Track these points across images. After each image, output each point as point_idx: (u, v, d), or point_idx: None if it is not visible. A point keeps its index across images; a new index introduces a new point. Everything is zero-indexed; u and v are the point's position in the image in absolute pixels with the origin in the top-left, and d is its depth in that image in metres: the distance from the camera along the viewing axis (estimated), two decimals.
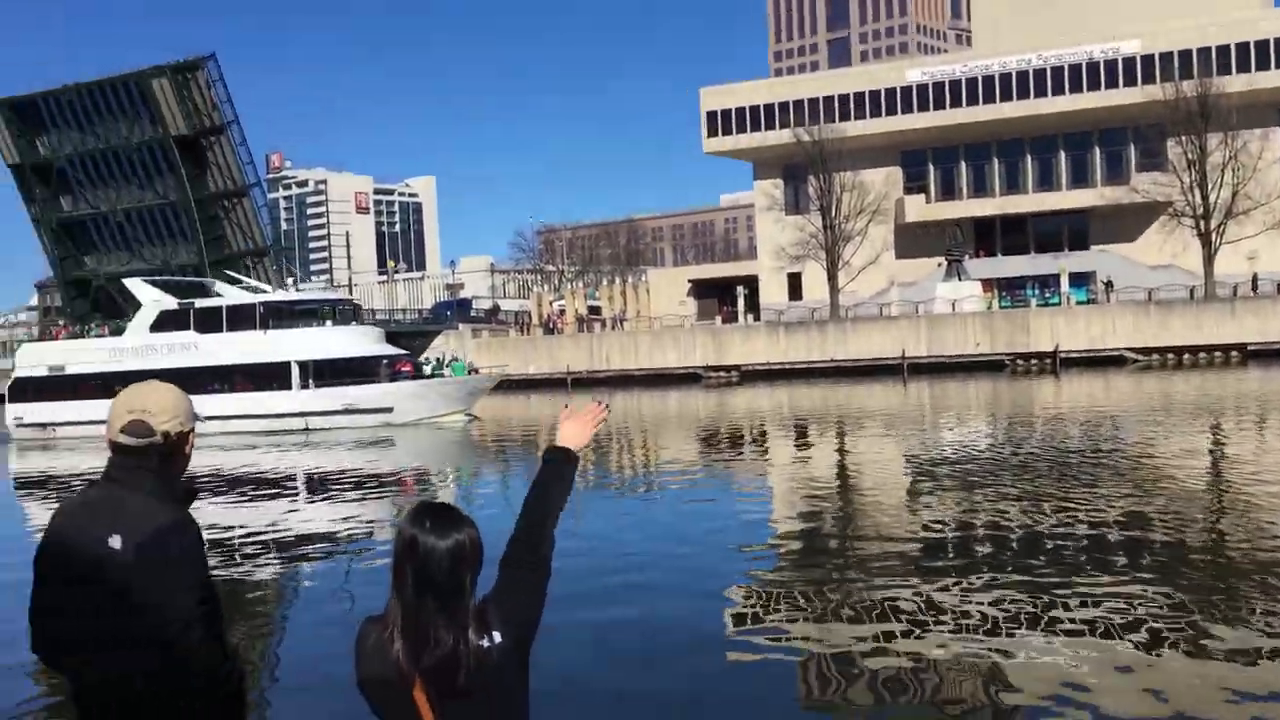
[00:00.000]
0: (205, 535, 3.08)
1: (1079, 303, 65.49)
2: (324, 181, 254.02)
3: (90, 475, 27.95)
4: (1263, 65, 67.03)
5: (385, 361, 44.54)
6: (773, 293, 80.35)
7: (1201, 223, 61.70)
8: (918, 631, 9.21)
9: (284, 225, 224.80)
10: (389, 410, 41.83)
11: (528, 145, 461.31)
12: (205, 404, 42.22)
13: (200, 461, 29.15)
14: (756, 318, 75.48)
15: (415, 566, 2.51)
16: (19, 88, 69.48)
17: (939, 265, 72.64)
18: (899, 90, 76.44)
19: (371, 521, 17.43)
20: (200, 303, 46.87)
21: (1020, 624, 9.29)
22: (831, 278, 70.26)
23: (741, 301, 75.63)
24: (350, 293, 77.84)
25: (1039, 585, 10.55)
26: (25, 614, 3.01)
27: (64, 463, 33.90)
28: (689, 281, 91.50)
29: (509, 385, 56.11)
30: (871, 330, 64.88)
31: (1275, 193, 61.46)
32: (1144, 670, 8.01)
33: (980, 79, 74.20)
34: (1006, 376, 55.06)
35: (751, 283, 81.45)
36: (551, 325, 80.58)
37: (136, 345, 46.23)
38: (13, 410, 48.94)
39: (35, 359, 50.61)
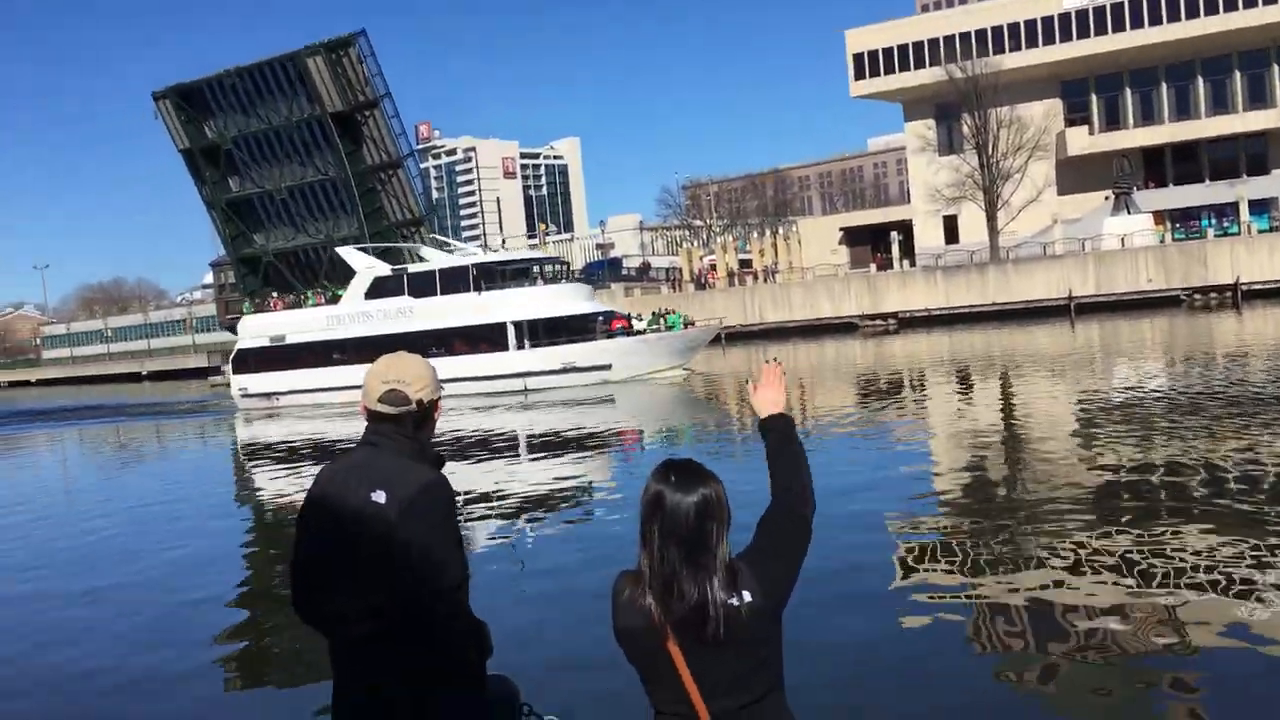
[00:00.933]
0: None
1: (1260, 231, 61.57)
2: (472, 149, 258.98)
3: (310, 442, 29.31)
4: None
5: (601, 318, 44.03)
6: (928, 237, 78.18)
7: None
8: (1090, 582, 8.79)
9: (435, 194, 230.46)
10: (607, 367, 41.43)
11: (671, 101, 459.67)
12: None
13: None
14: (912, 263, 73.64)
15: (661, 521, 2.56)
16: (183, 76, 72.78)
17: (1105, 199, 69.35)
18: (1057, 18, 72.86)
19: (594, 480, 17.26)
20: (413, 268, 46.88)
21: (1199, 574, 8.76)
22: (990, 218, 67.91)
23: (896, 247, 73.87)
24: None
25: (1219, 533, 9.94)
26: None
27: (286, 430, 34.75)
28: (840, 230, 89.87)
29: None
30: (1035, 270, 62.47)
31: None
32: None
33: (1145, 0, 70.03)
34: (1183, 313, 52.32)
35: (905, 228, 79.45)
36: (703, 280, 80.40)
37: (353, 313, 46.64)
38: (237, 381, 50.17)
39: (256, 330, 51.48)
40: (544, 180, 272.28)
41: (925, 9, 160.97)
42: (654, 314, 47.43)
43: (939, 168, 72.29)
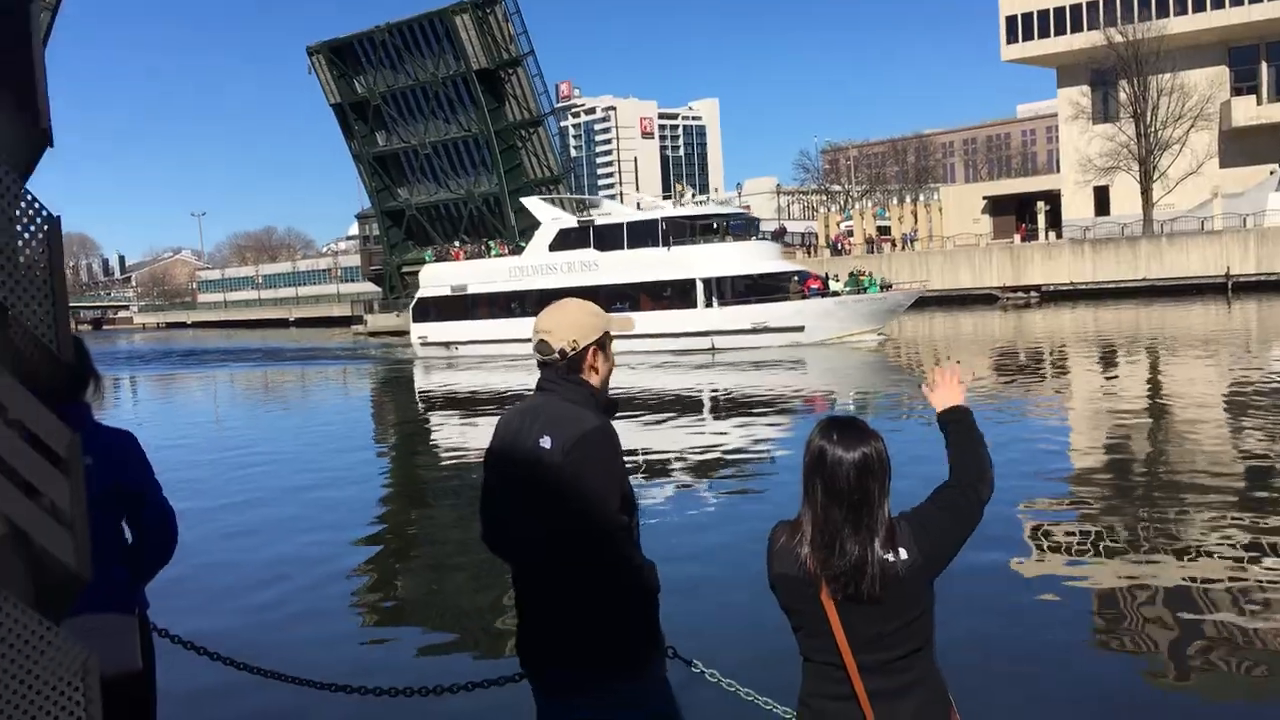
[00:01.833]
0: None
1: None
2: (611, 108, 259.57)
3: (484, 392, 29.94)
4: None
5: (796, 277, 42.44)
6: (1077, 208, 75.33)
7: None
8: (1233, 572, 8.47)
9: (573, 152, 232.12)
10: (800, 329, 39.84)
11: (812, 64, 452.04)
12: None
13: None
14: (1059, 235, 71.17)
15: (823, 477, 2.62)
16: (337, 30, 74.59)
17: (1271, 174, 65.63)
18: None
19: (777, 441, 17.13)
20: (599, 220, 46.02)
21: None
22: (1145, 190, 65.13)
23: (1042, 218, 71.47)
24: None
25: None
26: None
27: (464, 380, 34.84)
28: (984, 198, 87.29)
29: None
30: (1190, 246, 59.70)
31: None
32: None
33: None
34: None
35: (1053, 198, 76.70)
36: (839, 246, 79.29)
37: (536, 264, 46.07)
38: (417, 330, 50.32)
39: (437, 279, 51.22)
40: (681, 141, 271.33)
41: None
42: (851, 275, 45.13)
43: (1092, 136, 69.44)
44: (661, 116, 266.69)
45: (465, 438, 20.40)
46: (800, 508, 2.69)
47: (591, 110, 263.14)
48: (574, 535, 3.07)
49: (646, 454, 16.09)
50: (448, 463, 17.33)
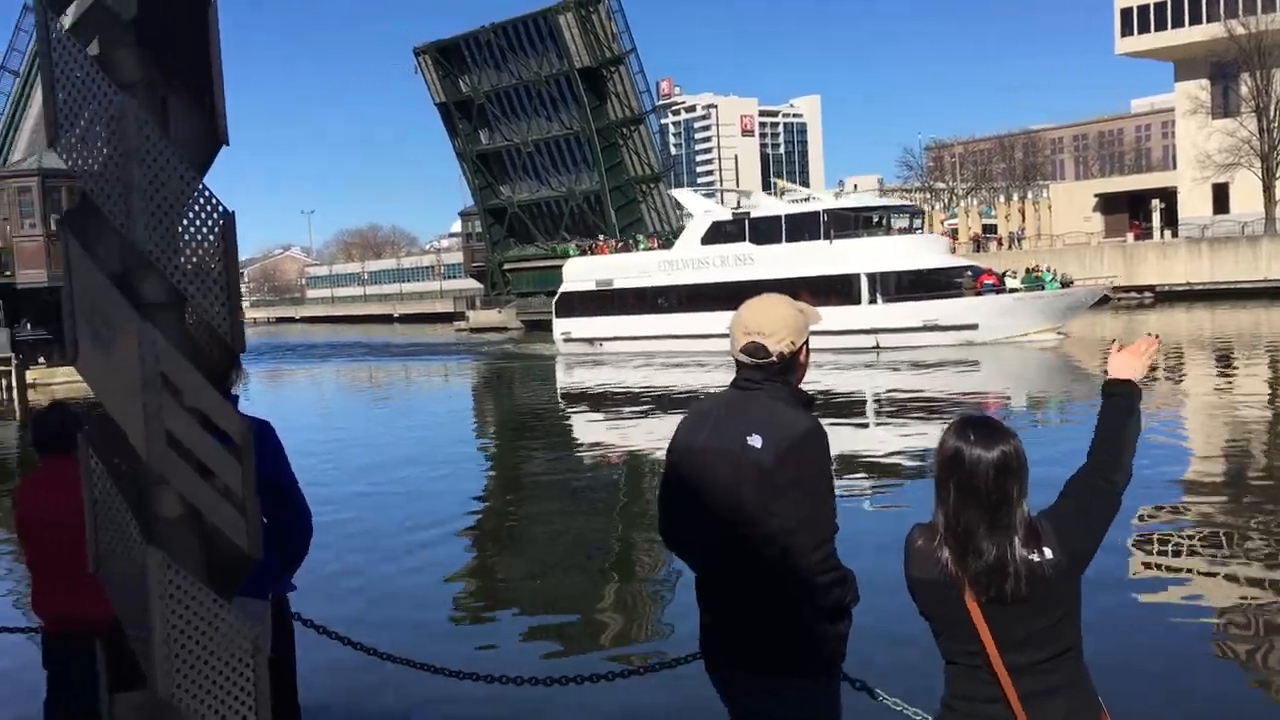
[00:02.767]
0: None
1: None
2: (712, 106, 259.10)
3: (625, 391, 29.30)
4: None
5: (969, 272, 40.31)
6: (1194, 205, 72.74)
7: None
8: None
9: (673, 150, 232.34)
10: (973, 327, 37.65)
11: (916, 60, 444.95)
12: None
13: None
14: (1174, 233, 68.86)
15: (959, 477, 2.57)
16: (440, 33, 75.92)
17: None
18: None
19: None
20: (756, 212, 44.11)
21: None
22: (1267, 188, 62.63)
23: (1157, 216, 69.27)
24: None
25: None
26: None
27: (606, 377, 34.00)
28: (1095, 195, 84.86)
29: None
30: None
31: None
32: None
33: None
34: None
35: (1168, 195, 74.22)
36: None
37: (687, 258, 44.35)
38: (560, 325, 48.75)
39: (582, 273, 49.58)
40: (781, 139, 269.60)
41: None
42: (1027, 270, 42.80)
43: (1211, 132, 67.00)
44: (762, 114, 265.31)
45: (610, 436, 20.30)
46: (934, 509, 2.65)
47: (692, 108, 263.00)
48: (780, 538, 2.97)
49: None
50: (590, 461, 17.44)
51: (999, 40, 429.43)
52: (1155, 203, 70.94)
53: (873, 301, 39.29)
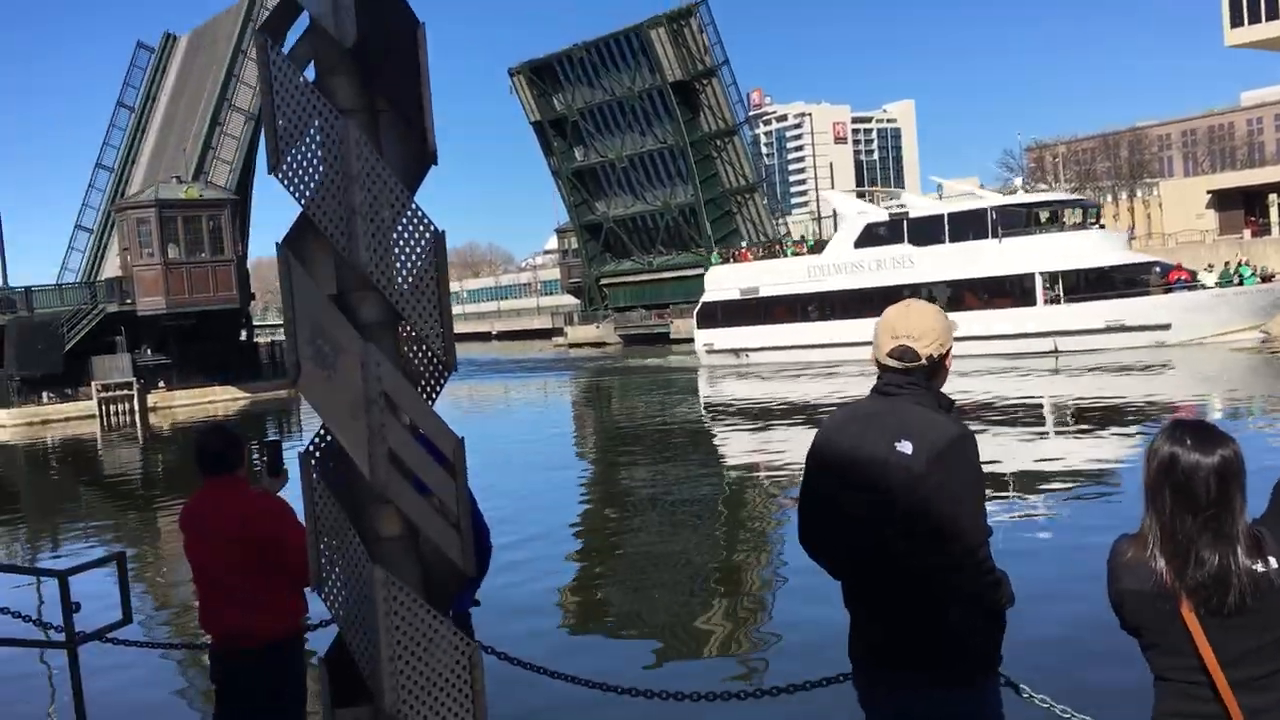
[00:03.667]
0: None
1: None
2: (804, 114, 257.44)
3: (770, 404, 28.28)
4: None
5: (1157, 269, 37.89)
6: None
7: None
8: None
9: (766, 160, 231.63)
10: (1165, 327, 35.35)
11: (1013, 58, 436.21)
12: None
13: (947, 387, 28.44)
14: None
15: (1175, 484, 2.48)
16: (534, 52, 76.84)
17: None
18: None
19: (1126, 459, 15.35)
20: (915, 211, 41.84)
21: None
22: None
23: (1274, 211, 66.69)
24: (835, 223, 78.53)
25: None
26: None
27: (753, 390, 32.89)
28: (1208, 192, 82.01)
29: None
30: None
31: None
32: None
33: None
34: None
35: None
36: None
37: (839, 262, 42.27)
38: (702, 336, 46.88)
39: (725, 282, 47.46)
40: (875, 144, 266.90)
41: None
42: (1226, 264, 39.68)
43: None
44: (855, 120, 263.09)
45: (762, 451, 19.71)
46: (1144, 519, 2.56)
47: (783, 117, 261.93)
48: (933, 541, 2.95)
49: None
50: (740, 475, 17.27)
51: (1100, 36, 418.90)
52: (1272, 198, 68.32)
53: (1050, 301, 37.05)
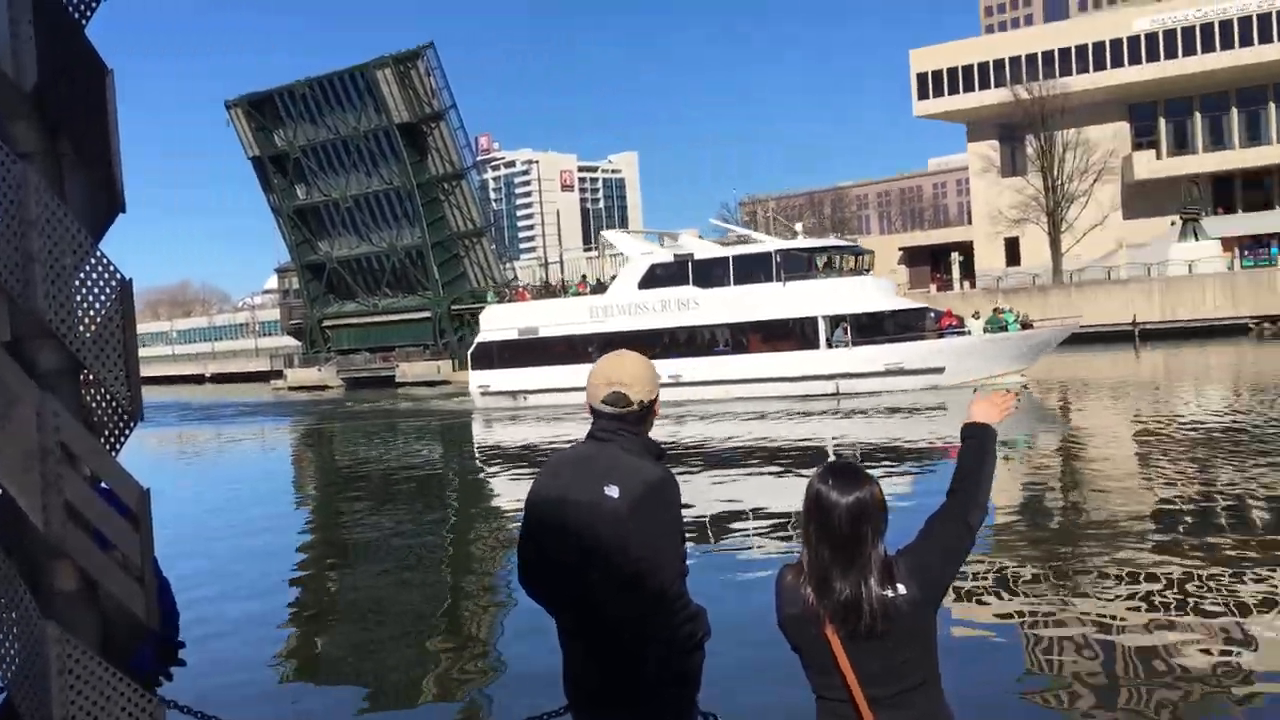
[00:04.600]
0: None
1: None
2: (532, 161, 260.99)
3: (548, 449, 26.43)
4: None
5: (932, 315, 39.03)
6: (989, 258, 77.48)
7: None
8: (1142, 610, 8.80)
9: (494, 205, 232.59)
10: (939, 370, 36.28)
11: (728, 119, 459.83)
12: (710, 367, 38.16)
13: (712, 431, 27.29)
14: (972, 284, 73.06)
15: (818, 519, 2.73)
16: (254, 86, 74.02)
17: (1172, 224, 68.27)
18: (1125, 40, 71.98)
19: (901, 495, 15.24)
20: (700, 254, 41.55)
21: (1259, 605, 8.72)
22: (1054, 241, 67.26)
23: (956, 268, 73.37)
24: (561, 268, 79.74)
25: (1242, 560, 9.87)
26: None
27: (527, 434, 31.90)
28: (899, 249, 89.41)
29: None
30: (1098, 294, 61.61)
31: None
32: None
33: (1217, 24, 69.01)
34: (1251, 341, 51.38)
35: (965, 249, 78.84)
36: None
37: (623, 303, 41.69)
38: (477, 378, 45.30)
39: (502, 322, 46.11)
40: (601, 194, 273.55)
41: (990, 30, 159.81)
42: (994, 310, 40.85)
43: (1002, 189, 71.68)
44: (581, 169, 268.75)
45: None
46: (801, 550, 2.81)
47: (511, 163, 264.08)
48: (635, 581, 3.09)
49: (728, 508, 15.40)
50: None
51: (807, 104, 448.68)
52: (954, 255, 75.13)
53: (832, 345, 37.74)
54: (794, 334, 37.92)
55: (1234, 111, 72.71)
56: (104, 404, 1.88)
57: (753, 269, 39.07)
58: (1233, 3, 68.53)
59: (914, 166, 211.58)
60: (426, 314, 67.79)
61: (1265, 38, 67.45)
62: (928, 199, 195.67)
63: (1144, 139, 74.86)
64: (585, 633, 3.23)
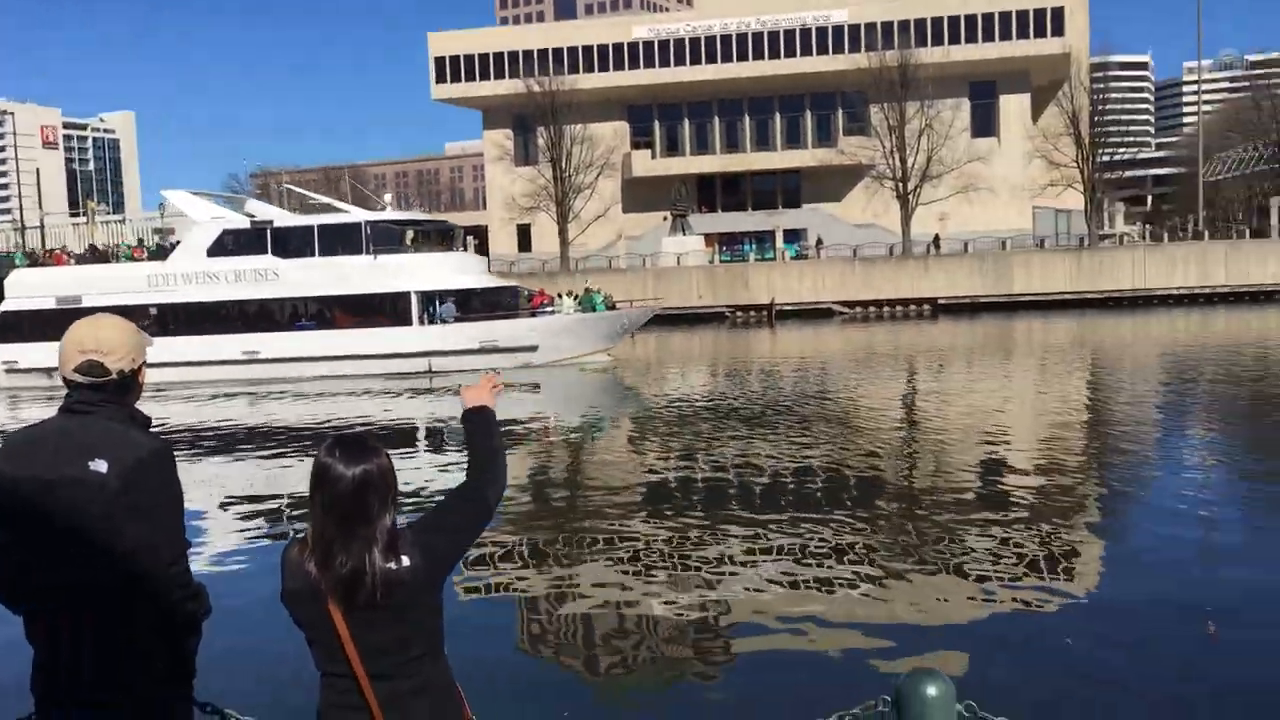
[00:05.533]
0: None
1: (792, 258, 69.26)
2: (5, 113, 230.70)
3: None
4: (954, 39, 72.79)
5: (526, 294, 38.80)
6: (502, 243, 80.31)
7: (900, 185, 66.49)
8: (637, 580, 9.82)
9: None
10: (533, 349, 36.15)
11: (245, 88, 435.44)
12: (291, 343, 35.68)
13: (288, 412, 25.91)
14: (488, 269, 75.23)
15: (323, 492, 2.69)
16: None
17: (664, 219, 74.79)
18: (626, 46, 77.68)
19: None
20: (280, 221, 38.66)
21: (743, 568, 10.08)
22: (562, 230, 70.94)
23: (471, 251, 75.01)
24: (42, 235, 71.39)
25: (754, 522, 11.44)
26: None
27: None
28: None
29: None
30: (600, 281, 65.84)
31: (964, 159, 67.10)
32: (826, 593, 8.94)
33: (704, 39, 76.51)
34: (727, 328, 57.70)
35: (480, 233, 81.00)
36: None
37: (189, 272, 37.57)
38: (3, 352, 39.07)
39: (35, 289, 39.79)
40: (91, 154, 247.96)
41: (505, 21, 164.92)
42: (571, 292, 41.17)
43: (515, 177, 74.48)
44: (68, 127, 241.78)
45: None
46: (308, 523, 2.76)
47: None
48: (130, 560, 2.89)
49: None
50: None
51: (329, 80, 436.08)
52: (470, 239, 76.75)
53: (425, 322, 36.64)
54: (385, 310, 36.75)
55: (715, 120, 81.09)
56: None
57: (340, 240, 37.22)
58: (716, 21, 76.34)
59: (433, 149, 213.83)
60: None
61: (743, 55, 75.87)
62: (445, 182, 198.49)
63: (641, 139, 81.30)
64: (76, 624, 2.95)
